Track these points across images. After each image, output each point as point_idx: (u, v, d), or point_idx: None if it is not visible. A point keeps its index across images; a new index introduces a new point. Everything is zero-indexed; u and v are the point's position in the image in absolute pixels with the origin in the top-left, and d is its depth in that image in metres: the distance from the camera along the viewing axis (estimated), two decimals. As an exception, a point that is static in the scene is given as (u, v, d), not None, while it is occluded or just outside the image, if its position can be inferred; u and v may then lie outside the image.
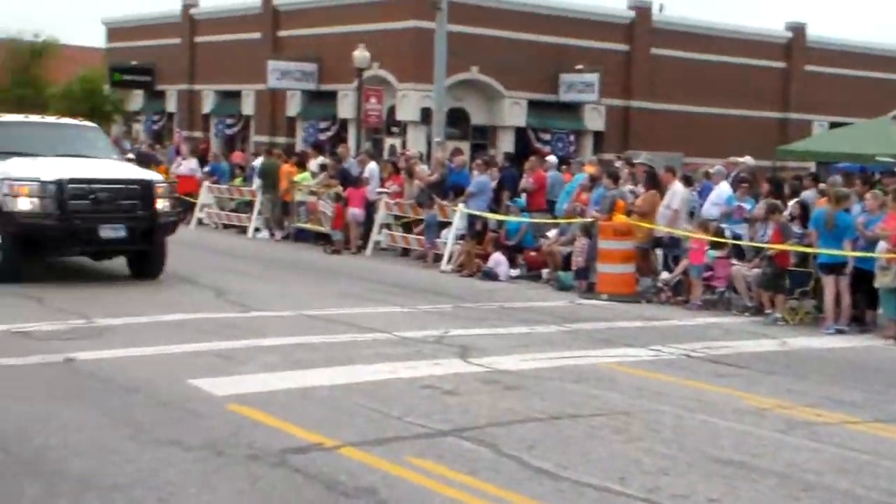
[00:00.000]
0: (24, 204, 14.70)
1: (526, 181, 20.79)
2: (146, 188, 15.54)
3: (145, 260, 16.09)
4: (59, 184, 14.75)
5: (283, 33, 42.58)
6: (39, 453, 7.11)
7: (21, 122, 17.48)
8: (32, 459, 6.98)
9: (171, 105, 48.62)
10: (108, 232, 15.09)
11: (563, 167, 22.89)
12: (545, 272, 18.15)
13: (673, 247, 16.68)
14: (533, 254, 18.81)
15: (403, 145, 34.95)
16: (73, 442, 7.35)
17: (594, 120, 40.53)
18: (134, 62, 49.73)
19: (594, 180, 18.53)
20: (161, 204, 15.57)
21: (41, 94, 60.58)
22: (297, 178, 23.40)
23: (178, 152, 30.49)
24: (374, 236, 21.67)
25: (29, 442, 7.34)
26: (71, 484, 6.55)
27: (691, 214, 17.87)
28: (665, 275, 16.58)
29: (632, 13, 41.34)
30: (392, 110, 37.09)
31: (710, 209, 17.80)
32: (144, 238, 15.57)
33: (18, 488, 6.45)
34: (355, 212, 21.58)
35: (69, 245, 15.20)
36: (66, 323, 12.02)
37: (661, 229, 16.59)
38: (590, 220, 17.25)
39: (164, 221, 15.69)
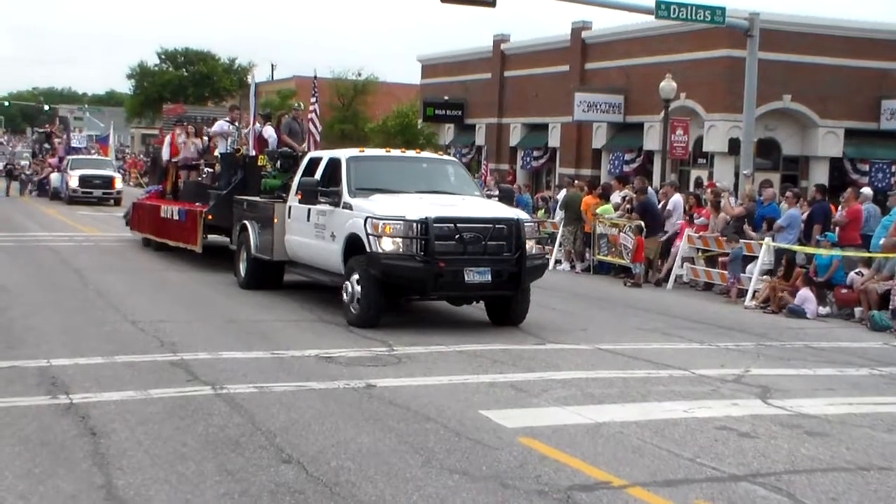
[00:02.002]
0: (388, 244, 13.71)
1: (839, 214, 19.81)
2: (514, 228, 14.15)
3: (507, 306, 14.85)
4: (425, 223, 13.65)
5: (590, 65, 42.80)
6: (335, 475, 7.37)
7: (382, 157, 16.59)
8: (328, 481, 7.24)
9: (480, 138, 49.90)
10: (473, 276, 13.81)
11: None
12: (858, 311, 17.19)
13: None
14: (844, 291, 17.85)
15: (710, 177, 34.22)
16: (367, 466, 7.58)
17: (920, 148, 38.07)
18: (446, 97, 51.64)
19: (914, 213, 17.48)
20: (529, 246, 14.33)
21: (361, 129, 64.07)
22: (599, 210, 23.36)
23: (484, 184, 31.33)
24: (676, 270, 21.27)
25: (327, 463, 7.63)
26: (362, 508, 6.76)
27: None
28: None
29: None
30: (699, 141, 36.41)
31: None
32: (510, 283, 14.24)
33: (314, 508, 6.73)
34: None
35: (432, 289, 13.92)
36: (369, 350, 12.44)
37: None
38: (908, 256, 16.26)
39: (532, 265, 14.38)
